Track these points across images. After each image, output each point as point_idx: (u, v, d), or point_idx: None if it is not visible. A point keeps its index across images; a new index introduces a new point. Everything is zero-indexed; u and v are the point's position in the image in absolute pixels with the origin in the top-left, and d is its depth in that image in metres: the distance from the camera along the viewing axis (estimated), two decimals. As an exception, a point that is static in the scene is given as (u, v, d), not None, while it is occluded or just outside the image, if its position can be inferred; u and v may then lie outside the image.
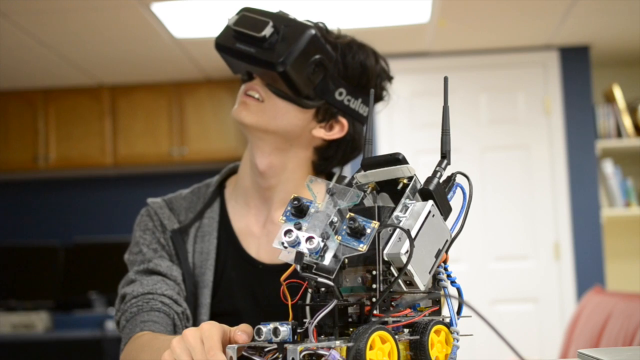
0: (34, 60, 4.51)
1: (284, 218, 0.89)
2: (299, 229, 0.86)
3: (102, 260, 4.98)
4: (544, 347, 4.42)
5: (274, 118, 1.38)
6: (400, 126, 4.68)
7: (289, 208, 0.90)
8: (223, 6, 3.78)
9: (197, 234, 1.45)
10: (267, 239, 1.44)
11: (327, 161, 1.47)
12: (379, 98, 1.47)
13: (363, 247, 0.85)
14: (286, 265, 0.90)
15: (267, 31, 1.33)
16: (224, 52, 1.39)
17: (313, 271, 0.87)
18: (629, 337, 2.27)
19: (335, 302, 0.87)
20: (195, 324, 1.38)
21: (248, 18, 1.36)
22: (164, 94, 5.07)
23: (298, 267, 0.87)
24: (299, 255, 0.86)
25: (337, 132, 1.43)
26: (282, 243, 0.86)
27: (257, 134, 1.40)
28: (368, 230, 0.86)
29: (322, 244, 0.85)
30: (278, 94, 1.38)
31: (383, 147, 4.61)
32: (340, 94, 1.41)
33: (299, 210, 0.89)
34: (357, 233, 0.86)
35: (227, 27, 1.38)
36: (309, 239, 0.85)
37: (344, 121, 1.43)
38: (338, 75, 1.40)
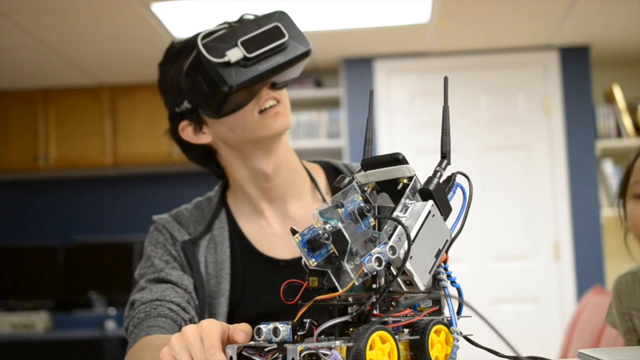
0: (34, 60, 4.51)
1: (314, 260, 0.88)
2: (356, 253, 0.86)
3: (102, 260, 4.98)
4: (544, 347, 4.42)
5: (289, 109, 1.45)
6: (400, 126, 4.68)
7: (305, 249, 0.88)
8: (223, 6, 3.78)
9: (208, 245, 1.45)
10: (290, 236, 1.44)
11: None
12: None
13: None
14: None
15: (285, 33, 1.38)
16: (251, 85, 1.34)
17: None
18: (629, 337, 2.27)
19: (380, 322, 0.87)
20: None
21: (254, 39, 1.35)
22: (164, 94, 5.06)
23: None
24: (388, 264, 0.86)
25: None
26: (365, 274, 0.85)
27: (283, 136, 1.45)
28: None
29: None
30: (284, 86, 1.44)
31: (383, 147, 4.61)
32: None
33: (316, 246, 0.88)
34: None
35: (231, 66, 1.33)
36: (391, 248, 0.85)
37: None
38: None
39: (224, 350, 0.91)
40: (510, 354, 0.87)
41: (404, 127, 4.68)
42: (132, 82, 5.05)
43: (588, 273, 4.51)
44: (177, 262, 1.43)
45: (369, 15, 4.04)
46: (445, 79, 1.00)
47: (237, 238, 1.47)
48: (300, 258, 0.88)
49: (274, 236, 1.47)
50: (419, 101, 4.67)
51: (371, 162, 0.97)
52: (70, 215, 5.39)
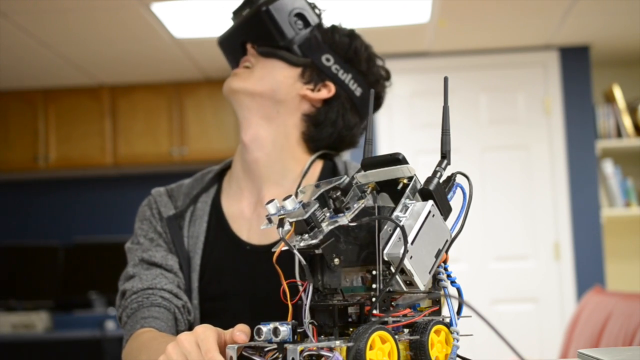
0: (34, 60, 4.51)
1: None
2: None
3: (102, 260, 4.98)
4: (544, 347, 4.42)
5: (261, 79, 1.41)
6: (400, 126, 4.68)
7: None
8: (223, 6, 3.78)
9: (191, 218, 1.45)
10: (258, 221, 1.41)
11: (317, 129, 1.44)
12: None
13: (347, 217, 0.87)
14: (274, 246, 0.91)
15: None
16: (226, 42, 1.49)
17: (302, 238, 0.88)
18: (629, 337, 2.27)
19: (311, 285, 0.87)
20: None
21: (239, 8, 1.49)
22: (164, 94, 5.06)
23: (281, 232, 0.88)
24: (282, 221, 0.88)
25: (324, 93, 1.43)
26: (268, 217, 0.90)
27: (244, 101, 1.41)
28: (355, 205, 0.87)
29: (301, 205, 0.88)
30: (265, 53, 1.42)
31: (383, 147, 4.61)
32: (328, 59, 1.44)
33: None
34: (339, 210, 0.88)
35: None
36: (288, 197, 0.88)
37: (331, 85, 1.44)
38: (324, 41, 1.45)
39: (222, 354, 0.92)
40: (511, 354, 0.88)
41: (404, 127, 4.68)
42: (132, 82, 5.05)
43: (588, 273, 4.51)
44: (163, 240, 1.43)
45: (369, 15, 4.04)
46: (445, 79, 1.00)
47: (216, 214, 1.45)
48: (269, 246, 0.90)
49: (245, 218, 1.43)
50: (419, 101, 4.67)
51: (371, 162, 0.97)
52: (70, 215, 5.39)
